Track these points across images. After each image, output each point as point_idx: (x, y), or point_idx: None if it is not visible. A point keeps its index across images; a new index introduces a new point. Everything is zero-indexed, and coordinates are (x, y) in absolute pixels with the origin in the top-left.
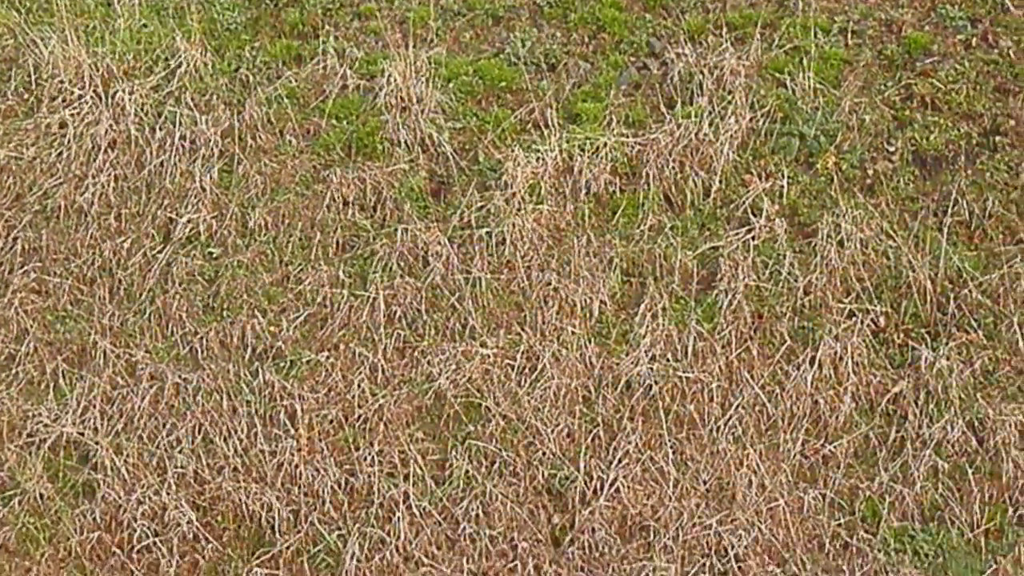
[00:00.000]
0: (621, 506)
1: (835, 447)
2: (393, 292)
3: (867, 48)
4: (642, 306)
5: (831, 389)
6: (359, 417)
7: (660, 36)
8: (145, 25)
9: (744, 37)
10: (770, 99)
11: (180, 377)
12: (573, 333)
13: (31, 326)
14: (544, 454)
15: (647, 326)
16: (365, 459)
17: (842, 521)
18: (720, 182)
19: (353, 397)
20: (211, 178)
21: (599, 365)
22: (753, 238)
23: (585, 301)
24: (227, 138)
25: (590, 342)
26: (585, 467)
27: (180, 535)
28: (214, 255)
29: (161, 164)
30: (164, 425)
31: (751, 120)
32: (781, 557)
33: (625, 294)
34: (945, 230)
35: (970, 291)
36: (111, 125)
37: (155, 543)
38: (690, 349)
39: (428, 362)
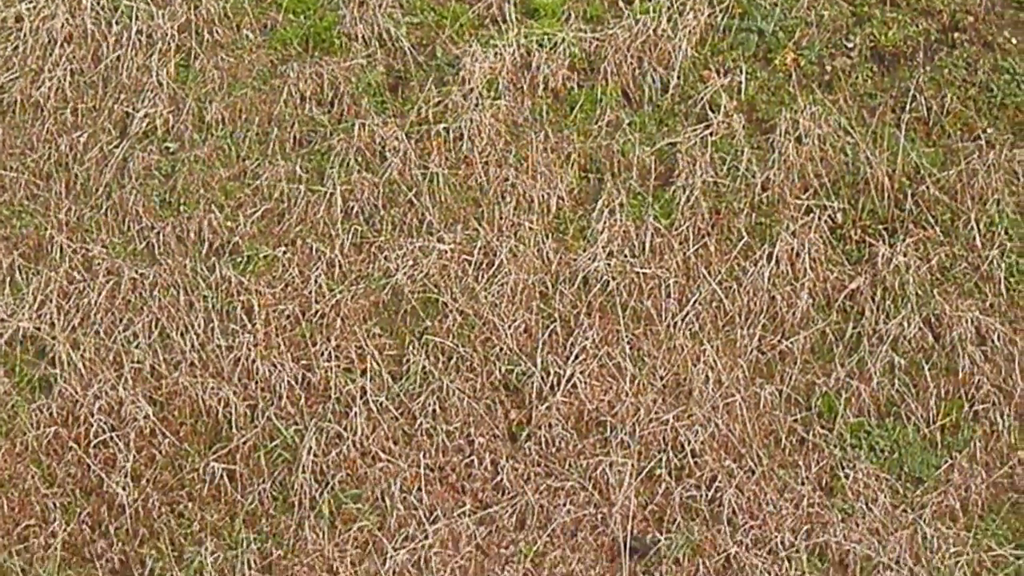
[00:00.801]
0: (578, 402)
1: (792, 343)
2: (350, 187)
3: None
4: (599, 202)
5: (788, 285)
6: (316, 312)
7: None
8: None
9: None
10: None
11: (137, 272)
12: (530, 229)
13: None
14: (501, 350)
15: (604, 222)
16: (322, 354)
17: (798, 417)
18: (678, 78)
19: (310, 292)
20: (168, 72)
21: (556, 261)
22: (711, 134)
23: (543, 197)
24: (184, 32)
25: (547, 238)
26: (542, 363)
27: (137, 430)
28: (171, 150)
29: (118, 58)
30: (121, 320)
31: (709, 16)
32: (737, 452)
33: (582, 190)
34: (903, 126)
35: (928, 187)
36: (67, 19)
37: (112, 438)
38: (647, 245)
39: (385, 258)
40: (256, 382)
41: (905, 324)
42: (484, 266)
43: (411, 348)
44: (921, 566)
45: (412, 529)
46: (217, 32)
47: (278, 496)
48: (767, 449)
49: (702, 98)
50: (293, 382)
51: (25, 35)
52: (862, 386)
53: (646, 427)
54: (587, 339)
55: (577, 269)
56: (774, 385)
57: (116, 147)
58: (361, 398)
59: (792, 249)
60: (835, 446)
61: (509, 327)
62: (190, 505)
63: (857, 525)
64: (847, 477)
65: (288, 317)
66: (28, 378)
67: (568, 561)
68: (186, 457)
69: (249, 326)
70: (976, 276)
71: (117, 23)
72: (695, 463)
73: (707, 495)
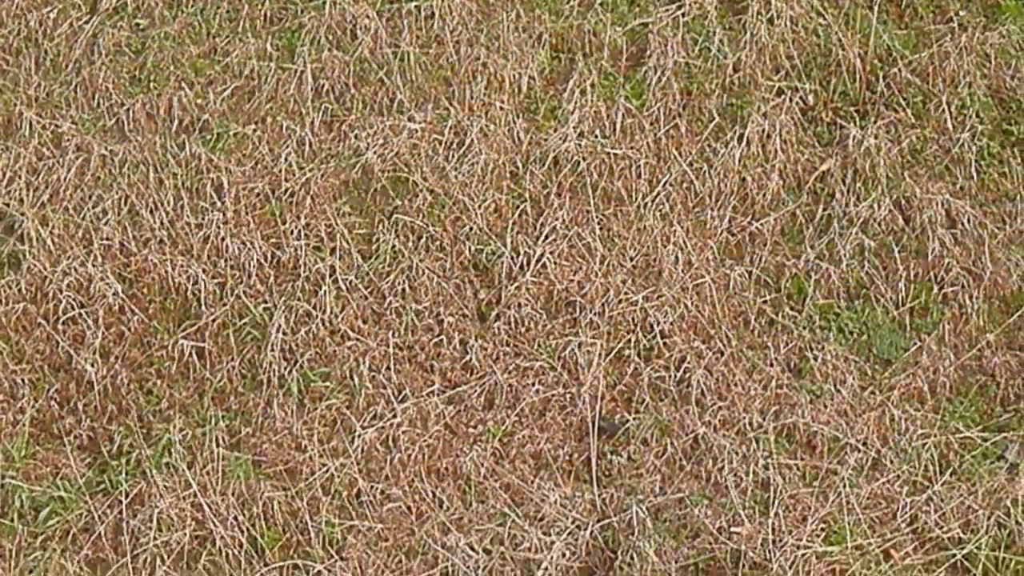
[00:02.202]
0: (547, 282)
1: (762, 224)
2: (321, 66)
3: None
4: (571, 82)
5: (759, 167)
6: (286, 191)
7: None
8: None
9: None
10: None
11: (106, 149)
12: (501, 108)
13: None
14: (471, 229)
15: (575, 102)
16: (291, 233)
17: (768, 298)
18: None
19: (280, 171)
20: None
21: (527, 141)
22: (683, 14)
23: (514, 76)
24: None
25: (518, 118)
26: (512, 243)
27: (106, 307)
28: (141, 26)
29: None
30: (90, 197)
31: None
32: (706, 333)
33: (554, 70)
34: (875, 8)
35: (899, 70)
36: None
37: (81, 314)
38: (618, 125)
39: (355, 136)
40: (225, 260)
41: (875, 206)
42: (454, 145)
43: (381, 227)
44: (888, 447)
45: (380, 408)
46: None
47: (247, 374)
48: (736, 330)
49: None
50: (262, 260)
51: None
52: (831, 268)
53: (615, 308)
54: (557, 219)
55: (548, 149)
56: (744, 266)
57: (86, 23)
58: (330, 276)
59: (763, 131)
60: (804, 328)
61: (479, 207)
62: (159, 382)
63: (825, 407)
64: (815, 359)
65: (258, 195)
66: None
67: (536, 440)
68: (155, 334)
69: (218, 204)
70: (947, 159)
71: None
72: (664, 344)
73: (676, 376)
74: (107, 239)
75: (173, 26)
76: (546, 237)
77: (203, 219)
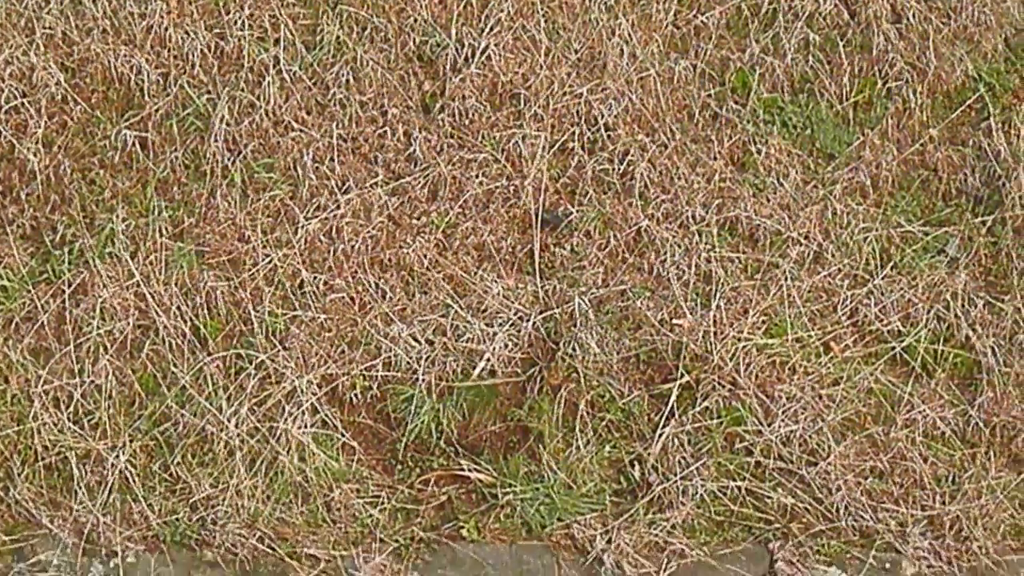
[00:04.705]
0: (492, 74)
1: (707, 18)
2: None
3: None
4: None
5: None
6: None
7: None
8: None
9: None
10: None
11: None
12: None
13: None
14: (416, 20)
15: None
16: (235, 23)
17: (712, 92)
18: None
19: None
20: None
21: None
22: None
23: None
24: None
25: None
26: (457, 34)
27: (48, 96)
28: None
29: None
30: None
31: None
32: (651, 127)
33: None
34: None
35: None
36: None
37: (23, 104)
38: None
39: None
40: (168, 50)
41: (820, 1)
42: None
43: (325, 17)
44: (830, 241)
45: (324, 199)
46: None
47: (190, 164)
48: (680, 124)
49: None
50: (206, 50)
51: None
52: (776, 62)
53: (559, 100)
54: (502, 11)
55: None
56: (689, 60)
57: None
58: (274, 67)
59: None
60: (748, 121)
61: None
62: (101, 172)
63: (768, 200)
64: (759, 152)
65: None
66: None
67: (480, 232)
68: (98, 124)
69: None
70: None
71: None
72: (608, 137)
73: (619, 169)
74: (49, 28)
75: None
76: (491, 29)
77: (146, 8)
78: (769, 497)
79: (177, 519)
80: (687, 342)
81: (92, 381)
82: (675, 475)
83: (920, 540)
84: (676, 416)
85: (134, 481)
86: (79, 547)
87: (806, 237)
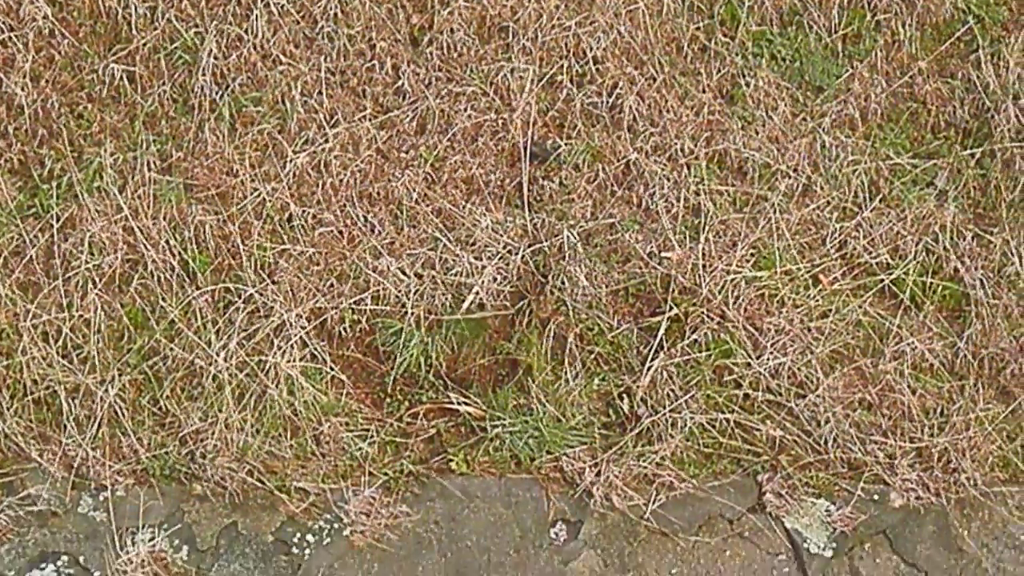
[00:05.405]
0: (480, 7)
1: None
2: None
3: None
4: None
5: None
6: None
7: None
8: None
9: None
10: None
11: None
12: None
13: None
14: None
15: None
16: None
17: (701, 24)
18: None
19: None
20: None
21: None
22: None
23: None
24: None
25: None
26: None
27: (36, 30)
28: None
29: None
30: None
31: None
32: (639, 59)
33: None
34: None
35: None
36: None
37: (10, 38)
38: None
39: None
40: None
41: None
42: None
43: None
44: (819, 174)
45: (312, 132)
46: None
47: (178, 98)
48: (669, 56)
49: None
50: None
51: None
52: None
53: (548, 33)
54: None
55: None
56: None
57: None
58: (262, 1)
59: None
60: (737, 54)
61: None
62: (89, 106)
63: (757, 133)
64: (748, 85)
65: None
66: None
67: (468, 166)
68: (85, 58)
69: None
70: None
71: None
72: (597, 70)
73: (608, 101)
74: None
75: None
76: None
77: None
78: (758, 429)
79: (166, 453)
80: (676, 275)
81: (81, 315)
82: (664, 408)
83: (908, 472)
84: (665, 349)
85: (123, 415)
86: (68, 481)
87: (795, 170)
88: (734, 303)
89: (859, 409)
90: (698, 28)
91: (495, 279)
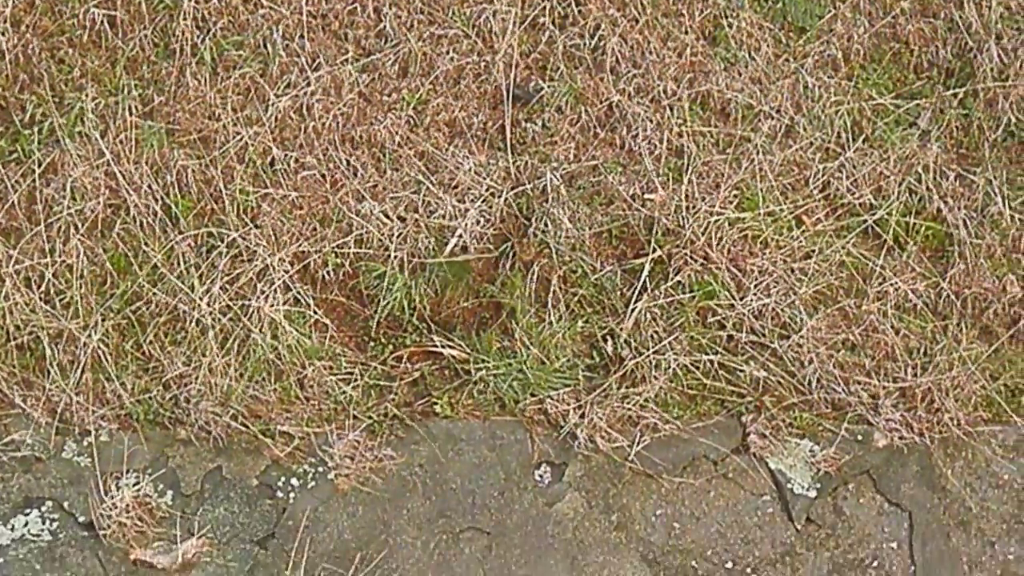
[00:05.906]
0: None
1: None
2: None
3: None
4: None
5: None
6: None
7: None
8: None
9: None
10: None
11: None
12: None
13: None
14: None
15: None
16: None
17: None
18: None
19: None
20: None
21: None
22: None
23: None
24: None
25: None
26: None
27: None
28: None
29: None
30: None
31: None
32: (621, 1)
33: None
34: None
35: None
36: None
37: None
38: None
39: None
40: None
41: None
42: None
43: None
44: (802, 115)
45: (294, 76)
46: None
47: (159, 43)
48: None
49: None
50: None
51: None
52: None
53: None
54: None
55: None
56: None
57: None
58: None
59: None
60: None
61: None
62: (70, 51)
63: (739, 74)
64: (730, 26)
65: None
66: None
67: (451, 108)
68: (66, 3)
69: None
70: None
71: None
72: (579, 11)
73: (590, 43)
74: None
75: None
76: None
77: None
78: (741, 371)
79: (150, 398)
80: (659, 217)
81: (63, 260)
82: (648, 349)
83: (892, 412)
84: (648, 291)
85: (107, 360)
86: (52, 426)
87: (778, 111)
88: (717, 244)
89: (842, 350)
90: None
91: (478, 222)
